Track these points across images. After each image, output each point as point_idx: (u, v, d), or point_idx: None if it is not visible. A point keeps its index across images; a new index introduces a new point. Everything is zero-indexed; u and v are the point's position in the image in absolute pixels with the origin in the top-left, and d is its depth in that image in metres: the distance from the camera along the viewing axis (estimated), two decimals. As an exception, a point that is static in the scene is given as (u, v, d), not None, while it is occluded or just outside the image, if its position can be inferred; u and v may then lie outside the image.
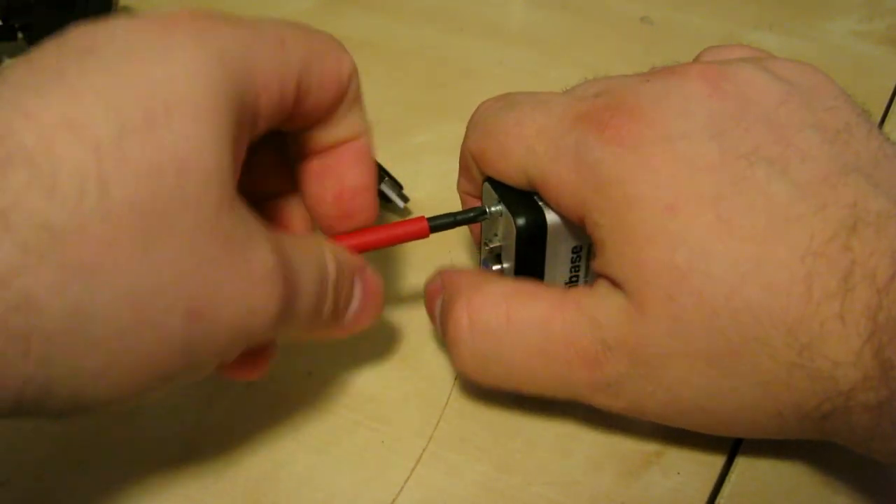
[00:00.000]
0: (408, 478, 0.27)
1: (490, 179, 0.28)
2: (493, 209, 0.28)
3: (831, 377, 0.22)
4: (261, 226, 0.22)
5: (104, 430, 0.28)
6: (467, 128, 0.29)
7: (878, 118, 0.43)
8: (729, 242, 0.22)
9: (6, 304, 0.17)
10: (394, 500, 0.26)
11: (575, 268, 0.28)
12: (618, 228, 0.24)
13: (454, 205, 0.37)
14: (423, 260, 0.35)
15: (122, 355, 0.19)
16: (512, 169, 0.27)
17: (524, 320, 0.25)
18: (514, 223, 0.26)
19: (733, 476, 0.27)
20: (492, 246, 0.28)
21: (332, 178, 0.27)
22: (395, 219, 0.37)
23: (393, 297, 0.33)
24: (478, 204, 0.30)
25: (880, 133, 0.25)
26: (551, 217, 0.26)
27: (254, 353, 0.24)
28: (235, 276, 0.20)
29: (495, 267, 0.28)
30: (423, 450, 0.28)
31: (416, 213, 0.37)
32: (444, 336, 0.27)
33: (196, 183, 0.19)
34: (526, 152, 0.26)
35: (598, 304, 0.24)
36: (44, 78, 0.19)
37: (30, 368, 0.18)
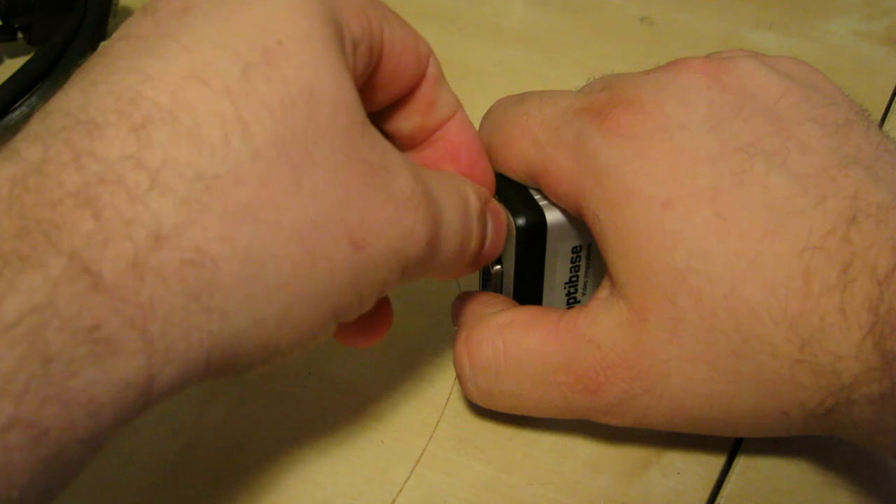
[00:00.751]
0: (408, 478, 0.27)
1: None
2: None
3: (834, 371, 0.21)
4: (396, 151, 0.21)
5: (104, 430, 0.28)
6: (480, 123, 0.29)
7: (878, 118, 0.43)
8: (727, 240, 0.22)
9: (180, 261, 0.17)
10: (394, 500, 0.26)
11: (574, 268, 0.28)
12: (616, 223, 0.24)
13: (454, 205, 0.37)
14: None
15: (299, 296, 0.19)
16: (514, 160, 0.27)
17: (521, 352, 0.25)
18: (514, 223, 0.26)
19: (733, 476, 0.27)
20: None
21: (448, 157, 0.26)
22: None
23: (393, 296, 0.33)
24: None
25: (879, 130, 0.25)
26: (551, 216, 0.26)
27: (372, 316, 0.24)
28: (382, 201, 0.20)
29: (495, 267, 0.28)
30: (423, 450, 0.28)
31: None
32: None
33: (326, 110, 0.19)
34: (529, 142, 0.26)
35: (595, 321, 0.24)
36: (152, 43, 0.19)
37: (214, 325, 0.18)
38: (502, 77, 0.46)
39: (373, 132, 0.21)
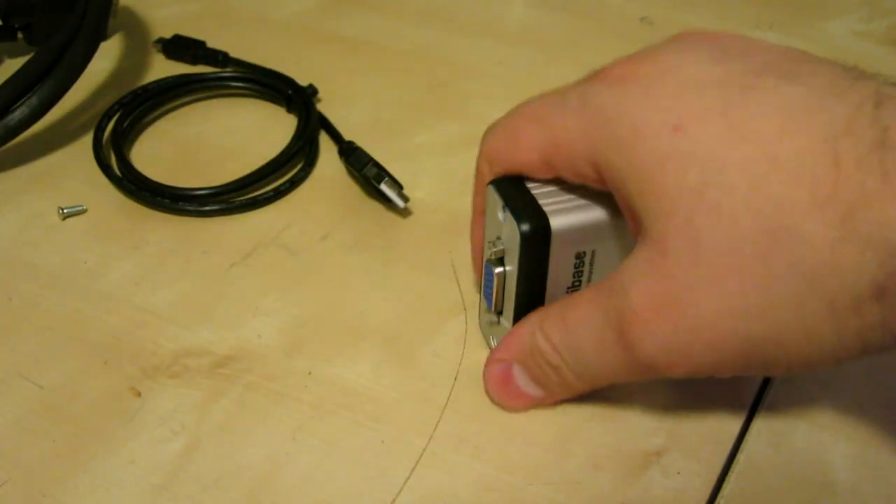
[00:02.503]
0: (408, 478, 0.27)
1: (494, 182, 0.28)
2: (500, 214, 0.28)
3: (882, 239, 0.20)
4: None
5: (104, 430, 0.28)
6: (481, 140, 0.29)
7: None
8: (742, 147, 0.22)
9: None
10: (394, 500, 0.26)
11: (577, 273, 0.28)
12: (631, 162, 0.23)
13: (454, 204, 0.37)
14: (424, 260, 0.35)
15: None
16: (524, 150, 0.26)
17: (576, 324, 0.26)
18: (519, 228, 0.26)
19: (733, 476, 0.27)
20: (495, 249, 0.28)
21: None
22: (396, 218, 0.37)
23: (393, 296, 0.33)
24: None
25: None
26: (556, 222, 0.26)
27: None
28: None
29: (497, 270, 0.28)
30: (423, 450, 0.28)
31: (416, 213, 0.37)
32: None
33: None
34: (534, 124, 0.26)
35: (621, 269, 0.24)
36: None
37: None
38: (502, 77, 0.46)
39: None
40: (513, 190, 0.27)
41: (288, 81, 0.43)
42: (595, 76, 0.25)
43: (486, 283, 0.29)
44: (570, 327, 0.26)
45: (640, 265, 0.23)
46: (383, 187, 0.36)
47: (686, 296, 0.22)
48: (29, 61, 0.38)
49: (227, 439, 0.28)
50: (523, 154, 0.27)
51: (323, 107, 0.43)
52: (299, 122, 0.41)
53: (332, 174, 0.39)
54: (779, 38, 0.49)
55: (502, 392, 0.29)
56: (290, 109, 0.42)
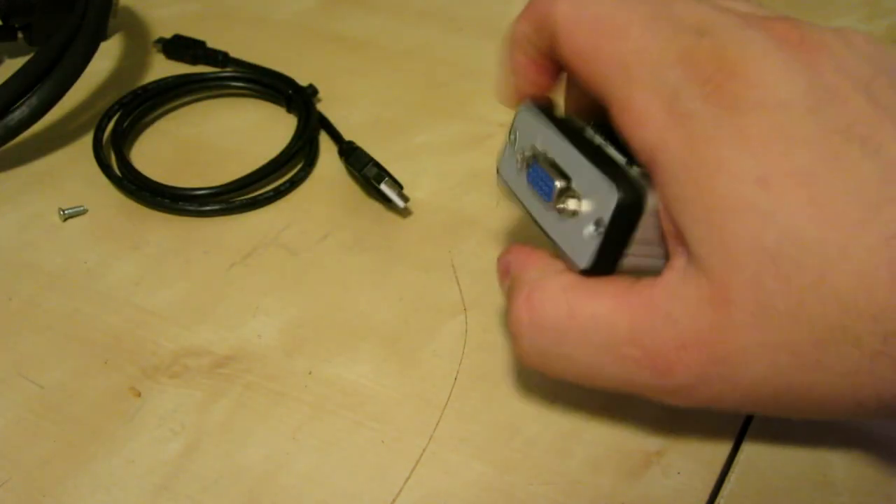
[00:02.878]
0: (408, 478, 0.27)
1: (538, 106, 0.26)
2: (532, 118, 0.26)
3: None
4: None
5: (104, 430, 0.28)
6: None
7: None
8: (820, 226, 0.22)
9: None
10: (394, 500, 0.26)
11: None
12: (704, 193, 0.23)
13: (454, 204, 0.37)
14: (424, 260, 0.35)
15: None
16: (594, 74, 0.25)
17: (587, 318, 0.24)
18: (617, 193, 0.24)
19: (733, 476, 0.27)
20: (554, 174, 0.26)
21: None
22: (396, 218, 0.37)
23: (393, 296, 0.33)
24: (526, 60, 0.27)
25: None
26: (652, 201, 0.24)
27: None
28: None
29: (559, 183, 0.25)
30: (423, 450, 0.28)
31: (416, 213, 0.37)
32: (508, 324, 0.26)
33: None
34: (619, 66, 0.24)
35: (673, 294, 0.23)
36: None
37: None
38: (502, 77, 0.46)
39: None
40: (574, 133, 0.26)
41: (288, 81, 0.43)
42: (695, 66, 0.23)
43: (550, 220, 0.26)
44: (576, 317, 0.25)
45: (696, 297, 0.23)
46: (383, 187, 0.36)
47: (739, 354, 0.23)
48: (29, 61, 0.38)
49: (227, 439, 0.28)
50: (591, 75, 0.25)
51: (323, 107, 0.43)
52: (299, 122, 0.41)
53: (332, 174, 0.39)
54: (779, 38, 0.49)
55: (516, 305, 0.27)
56: (290, 109, 0.42)
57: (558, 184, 0.25)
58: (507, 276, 0.27)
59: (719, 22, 0.25)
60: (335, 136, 0.41)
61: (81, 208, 0.37)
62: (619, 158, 0.25)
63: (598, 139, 0.26)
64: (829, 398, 0.23)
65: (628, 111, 0.24)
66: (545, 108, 0.27)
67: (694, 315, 0.23)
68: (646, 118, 0.24)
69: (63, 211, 0.36)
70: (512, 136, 0.28)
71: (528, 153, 0.27)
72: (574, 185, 0.25)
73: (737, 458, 0.27)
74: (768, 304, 0.22)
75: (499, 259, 0.28)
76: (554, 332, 0.25)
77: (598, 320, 0.24)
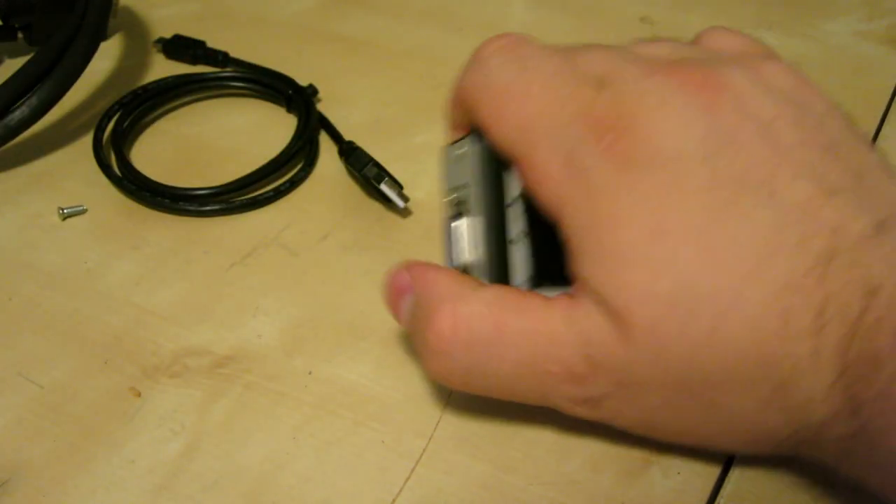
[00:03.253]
0: (408, 478, 0.27)
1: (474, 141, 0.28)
2: (457, 152, 0.27)
3: (804, 411, 0.22)
4: None
5: (104, 430, 0.28)
6: (470, 63, 0.28)
7: (879, 118, 0.43)
8: (713, 275, 0.22)
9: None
10: (394, 500, 0.26)
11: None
12: (603, 244, 0.23)
13: (454, 205, 0.37)
14: (423, 259, 0.35)
15: None
16: (500, 137, 0.26)
17: (514, 333, 0.25)
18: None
19: (733, 476, 0.27)
20: (455, 195, 0.27)
21: None
22: (396, 218, 0.37)
23: (393, 297, 0.33)
24: (462, 132, 0.29)
25: (865, 143, 0.25)
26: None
27: None
28: None
29: (454, 224, 0.28)
30: (423, 450, 0.28)
31: (416, 213, 0.37)
32: (419, 343, 0.26)
33: None
34: (521, 126, 0.26)
35: (585, 318, 0.24)
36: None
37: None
38: (502, 77, 0.46)
39: None
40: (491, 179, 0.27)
41: (288, 81, 0.43)
42: (592, 123, 0.24)
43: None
44: (503, 333, 0.25)
45: (607, 329, 0.23)
46: (383, 187, 0.36)
47: (639, 385, 0.24)
48: (29, 61, 0.38)
49: (227, 439, 0.28)
50: (498, 136, 0.26)
51: (323, 107, 0.43)
52: (299, 122, 0.41)
53: (332, 174, 0.39)
54: (779, 37, 0.49)
55: (390, 299, 0.28)
56: (290, 109, 0.42)
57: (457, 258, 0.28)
58: (404, 295, 0.27)
59: (620, 73, 0.25)
60: (335, 136, 0.41)
61: (81, 208, 0.37)
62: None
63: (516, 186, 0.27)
64: (723, 434, 0.24)
65: (532, 170, 0.25)
66: (475, 148, 0.28)
67: (604, 342, 0.24)
68: (547, 176, 0.25)
69: (63, 210, 0.36)
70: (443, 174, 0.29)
71: (452, 197, 0.28)
72: (464, 191, 0.27)
73: (737, 458, 0.27)
74: (664, 348, 0.23)
75: (391, 276, 0.28)
76: (481, 347, 0.25)
77: (524, 336, 0.25)
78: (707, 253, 0.22)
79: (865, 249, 0.22)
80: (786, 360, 0.22)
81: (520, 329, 0.25)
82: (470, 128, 0.28)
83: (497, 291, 0.26)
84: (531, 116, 0.25)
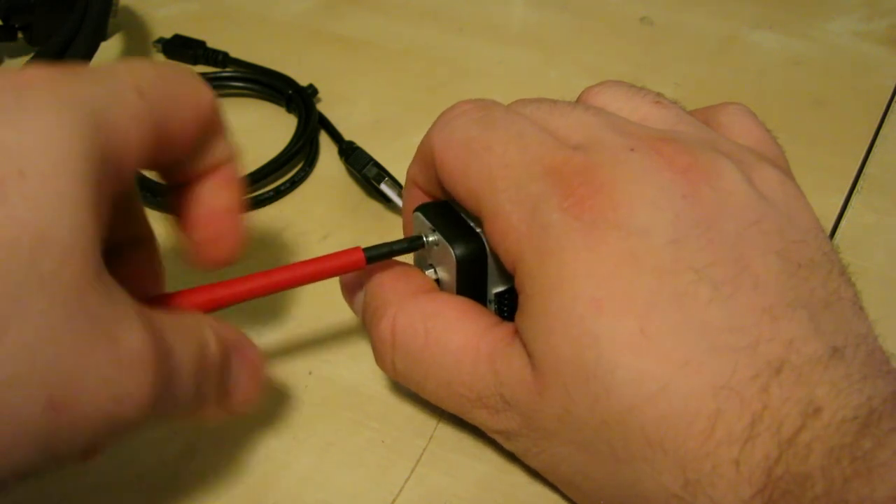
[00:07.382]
0: (408, 478, 0.27)
1: (422, 207, 0.27)
2: (429, 238, 0.27)
3: None
4: (130, 301, 0.20)
5: (104, 430, 0.28)
6: (437, 120, 0.28)
7: (879, 118, 0.43)
8: (643, 359, 0.21)
9: None
10: (394, 500, 0.26)
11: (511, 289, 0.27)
12: (543, 303, 0.23)
13: (454, 205, 0.37)
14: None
15: None
16: (465, 191, 0.26)
17: (440, 349, 0.25)
18: (453, 253, 0.26)
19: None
20: (427, 273, 0.28)
21: (201, 203, 0.26)
22: (396, 218, 0.37)
23: (393, 297, 0.33)
24: (422, 193, 0.29)
25: (843, 275, 0.24)
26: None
27: None
28: (102, 361, 0.19)
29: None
30: (423, 450, 0.28)
31: (416, 213, 0.37)
32: (369, 336, 0.27)
33: (54, 257, 0.18)
34: (485, 182, 0.25)
35: (508, 362, 0.24)
36: None
37: None
38: (502, 77, 0.46)
39: (106, 283, 0.19)
40: (442, 210, 0.27)
41: (288, 81, 0.43)
42: (561, 179, 0.23)
43: None
44: (430, 347, 0.25)
45: (522, 376, 0.23)
46: (383, 187, 0.36)
47: (545, 435, 0.24)
48: (29, 61, 0.38)
49: (227, 439, 0.28)
50: (463, 192, 0.26)
51: (323, 107, 0.43)
52: (299, 122, 0.41)
53: (332, 174, 0.39)
54: (779, 38, 0.49)
55: (347, 294, 0.29)
56: (290, 109, 0.42)
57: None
58: (356, 291, 0.28)
59: (601, 140, 0.25)
60: (335, 136, 0.41)
61: (81, 208, 0.37)
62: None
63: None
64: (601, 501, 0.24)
65: (494, 222, 0.25)
66: (433, 206, 0.28)
67: (517, 389, 0.24)
68: (508, 228, 0.24)
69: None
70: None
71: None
72: (440, 275, 0.27)
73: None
74: (573, 412, 0.22)
75: (347, 274, 0.28)
76: (411, 357, 0.26)
77: (447, 356, 0.25)
78: (644, 334, 0.21)
79: (815, 370, 0.21)
80: (704, 461, 0.21)
81: (447, 349, 0.25)
82: (431, 194, 0.28)
83: (442, 304, 0.26)
84: (498, 167, 0.25)
